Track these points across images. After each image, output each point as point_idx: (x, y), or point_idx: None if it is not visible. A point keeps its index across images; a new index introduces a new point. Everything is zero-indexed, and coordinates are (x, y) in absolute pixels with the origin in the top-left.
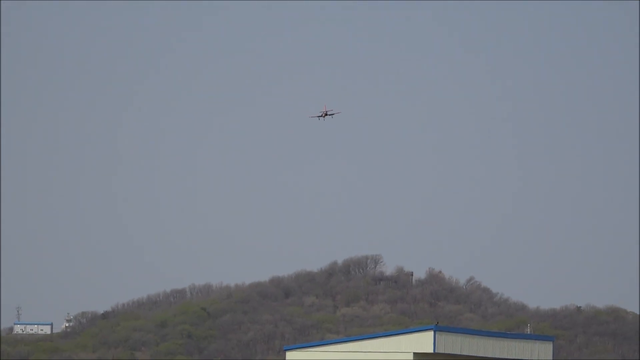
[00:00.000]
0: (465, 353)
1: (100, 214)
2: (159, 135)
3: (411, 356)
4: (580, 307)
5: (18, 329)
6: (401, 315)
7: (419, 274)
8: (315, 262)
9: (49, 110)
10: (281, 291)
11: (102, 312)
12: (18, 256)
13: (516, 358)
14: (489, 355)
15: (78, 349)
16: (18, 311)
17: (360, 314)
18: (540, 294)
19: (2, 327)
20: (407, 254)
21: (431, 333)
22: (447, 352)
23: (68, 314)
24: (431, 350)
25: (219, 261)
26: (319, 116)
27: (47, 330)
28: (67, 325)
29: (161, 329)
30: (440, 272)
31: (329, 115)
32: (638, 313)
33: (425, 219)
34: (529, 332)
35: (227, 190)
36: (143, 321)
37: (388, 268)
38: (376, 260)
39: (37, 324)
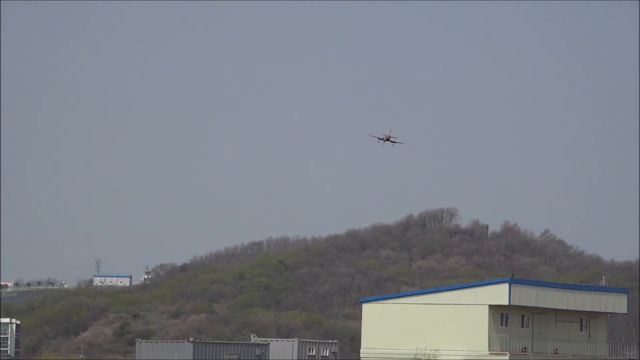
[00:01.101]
0: (540, 305)
1: (179, 169)
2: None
3: (486, 308)
4: None
5: (97, 281)
6: (476, 268)
7: (495, 226)
8: (391, 215)
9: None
10: (357, 244)
11: (180, 264)
12: (97, 210)
13: (591, 310)
14: (564, 307)
15: (156, 301)
16: (98, 264)
17: (436, 266)
18: (615, 246)
19: (82, 279)
20: (483, 207)
21: (506, 285)
22: (522, 304)
23: (147, 266)
24: (506, 303)
25: (296, 214)
26: (380, 138)
27: (126, 282)
28: (145, 277)
29: (239, 281)
30: (515, 224)
31: (391, 141)
32: None
33: (501, 172)
34: (603, 285)
35: (303, 145)
36: (221, 274)
37: (463, 221)
38: (452, 214)
39: (117, 276)
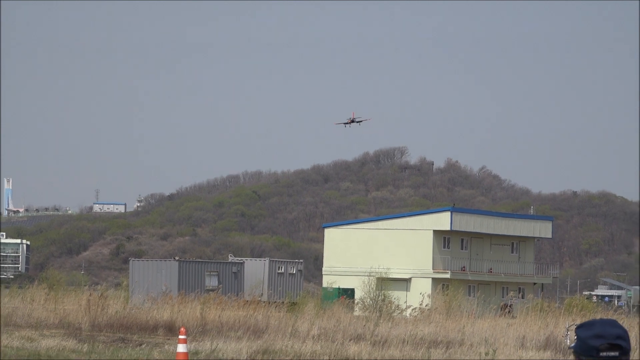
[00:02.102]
0: (477, 230)
1: (168, 110)
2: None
3: (431, 233)
4: (576, 192)
5: (97, 208)
6: (423, 199)
7: (439, 163)
8: (350, 152)
9: None
10: (321, 177)
11: (168, 194)
12: (97, 144)
13: (520, 235)
14: (498, 232)
15: (147, 225)
16: (97, 193)
17: (388, 197)
18: (543, 180)
19: (83, 206)
20: (429, 146)
21: (448, 213)
22: (461, 229)
23: (139, 195)
24: (448, 228)
25: (268, 151)
26: (345, 123)
27: (121, 209)
28: (138, 205)
29: (218, 209)
30: (457, 161)
31: (357, 122)
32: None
33: (445, 115)
34: (531, 213)
35: (273, 90)
36: (203, 202)
37: (412, 158)
38: (402, 152)
39: (113, 204)
